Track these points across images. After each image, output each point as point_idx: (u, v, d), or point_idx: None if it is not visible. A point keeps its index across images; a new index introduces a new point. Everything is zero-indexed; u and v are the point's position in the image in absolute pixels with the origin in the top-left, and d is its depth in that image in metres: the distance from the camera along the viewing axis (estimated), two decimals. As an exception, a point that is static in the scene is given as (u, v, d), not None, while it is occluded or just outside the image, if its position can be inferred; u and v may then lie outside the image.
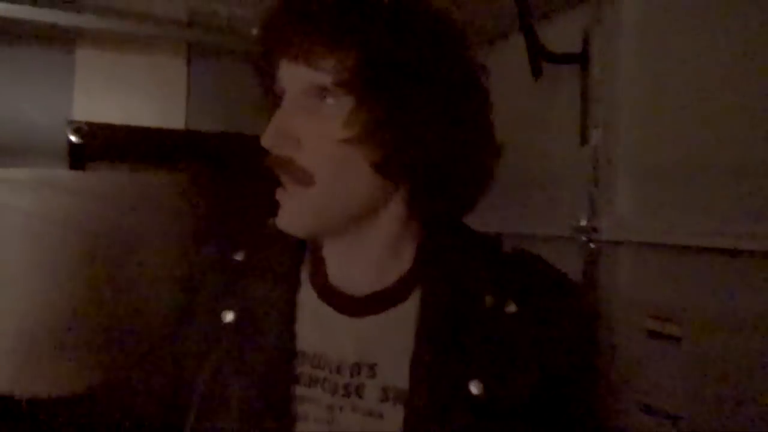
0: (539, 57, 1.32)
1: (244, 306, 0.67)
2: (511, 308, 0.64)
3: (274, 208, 0.65)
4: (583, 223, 1.26)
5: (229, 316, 0.67)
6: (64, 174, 1.55)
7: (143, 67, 1.74)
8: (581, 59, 1.29)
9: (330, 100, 0.60)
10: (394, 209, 0.66)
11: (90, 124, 1.60)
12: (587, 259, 1.24)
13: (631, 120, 1.21)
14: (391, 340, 0.64)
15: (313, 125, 0.61)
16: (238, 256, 0.71)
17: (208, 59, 1.82)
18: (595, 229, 1.24)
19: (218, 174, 1.68)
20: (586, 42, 1.29)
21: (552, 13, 1.38)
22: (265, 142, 0.61)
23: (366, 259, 0.67)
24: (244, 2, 1.76)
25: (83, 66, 1.67)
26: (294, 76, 0.61)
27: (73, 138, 1.58)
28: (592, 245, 1.24)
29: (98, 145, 1.60)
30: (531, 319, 0.64)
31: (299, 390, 0.63)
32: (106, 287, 1.44)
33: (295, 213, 0.63)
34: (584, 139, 1.28)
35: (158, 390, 0.72)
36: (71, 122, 1.60)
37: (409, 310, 0.65)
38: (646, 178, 1.17)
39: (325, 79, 0.59)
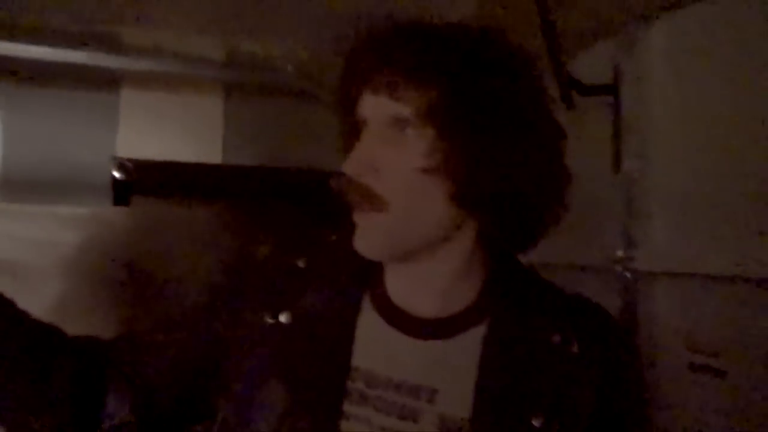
0: (570, 89, 1.32)
1: (301, 310, 0.68)
2: (575, 348, 0.66)
3: (334, 223, 0.67)
4: (619, 253, 1.25)
5: (284, 317, 0.68)
6: (108, 210, 1.60)
7: (183, 105, 1.81)
8: (612, 90, 1.30)
9: (410, 131, 0.62)
10: (464, 238, 0.67)
11: (133, 161, 1.67)
12: (624, 289, 1.23)
13: (664, 150, 1.20)
14: (453, 368, 0.65)
15: (393, 155, 0.63)
16: (300, 263, 0.72)
17: (244, 96, 1.88)
18: (631, 259, 1.23)
19: (254, 206, 1.72)
20: (617, 73, 1.30)
21: (582, 45, 1.39)
22: (347, 168, 0.64)
23: (432, 284, 0.68)
24: (279, 41, 1.82)
25: (127, 105, 1.74)
26: (376, 108, 0.64)
27: (117, 174, 1.64)
28: (628, 275, 1.23)
29: (141, 181, 1.66)
30: (591, 359, 0.67)
31: (348, 407, 0.64)
32: (146, 319, 1.48)
33: (370, 237, 0.65)
34: (617, 168, 1.28)
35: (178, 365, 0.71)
36: (115, 159, 1.67)
37: (475, 339, 0.66)
38: (682, 208, 1.16)
39: (407, 111, 0.61)
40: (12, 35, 1.53)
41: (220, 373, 0.70)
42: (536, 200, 0.65)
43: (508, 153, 0.61)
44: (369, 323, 0.68)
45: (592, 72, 1.33)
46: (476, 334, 0.67)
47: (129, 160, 1.67)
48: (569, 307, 0.71)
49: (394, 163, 0.63)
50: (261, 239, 0.75)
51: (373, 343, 0.67)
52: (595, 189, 1.37)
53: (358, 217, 0.66)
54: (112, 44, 1.66)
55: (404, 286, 0.69)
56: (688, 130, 1.15)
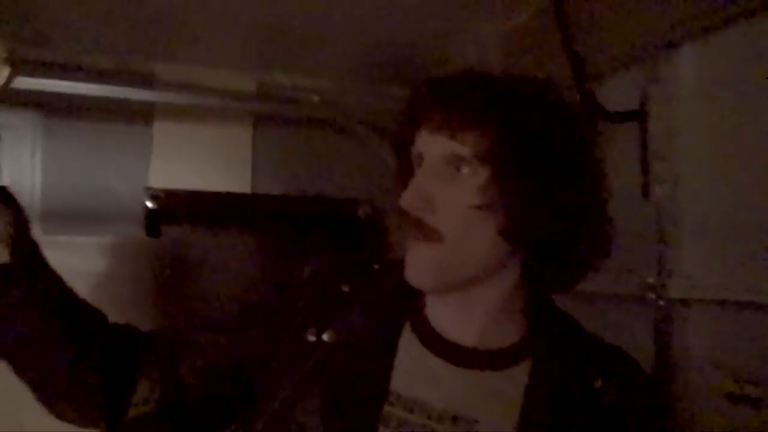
0: (597, 116, 1.33)
1: (344, 331, 0.70)
2: (614, 395, 0.68)
3: (377, 255, 0.69)
4: (651, 280, 1.23)
5: (327, 336, 0.70)
6: (141, 239, 1.63)
7: (213, 136, 1.85)
8: (639, 116, 1.30)
9: (465, 169, 0.65)
10: (509, 274, 0.69)
11: (165, 191, 1.71)
12: (657, 317, 1.21)
13: (693, 175, 1.20)
14: (496, 402, 0.66)
15: (448, 190, 0.66)
16: (345, 287, 0.75)
17: (272, 126, 1.92)
18: (663, 287, 1.21)
19: (283, 234, 1.75)
20: (643, 99, 1.30)
21: (608, 72, 1.40)
22: (404, 201, 0.66)
23: (474, 315, 0.70)
24: (306, 73, 1.87)
25: (160, 137, 1.79)
26: (434, 145, 0.67)
27: (149, 204, 1.68)
28: (661, 303, 1.21)
29: (172, 211, 1.69)
30: (628, 407, 0.69)
31: (384, 430, 0.64)
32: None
33: (422, 267, 0.67)
34: (647, 194, 1.27)
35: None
36: (148, 189, 1.71)
37: (518, 376, 0.68)
38: (715, 233, 1.15)
39: (464, 150, 0.64)
40: (50, 71, 1.59)
41: (253, 387, 0.71)
42: (580, 242, 0.68)
43: (558, 195, 0.64)
44: (409, 348, 0.69)
45: (619, 98, 1.34)
46: (521, 370, 0.68)
47: (161, 189, 1.71)
48: (608, 354, 0.73)
49: (449, 198, 0.65)
50: (299, 263, 0.76)
51: (413, 369, 0.68)
52: (624, 216, 1.36)
53: (412, 249, 0.68)
54: (145, 79, 1.72)
55: (446, 315, 0.71)
56: (718, 156, 1.15)
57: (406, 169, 0.71)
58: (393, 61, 1.78)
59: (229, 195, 1.80)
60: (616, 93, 1.36)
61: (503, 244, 0.66)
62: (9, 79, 0.58)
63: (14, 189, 0.65)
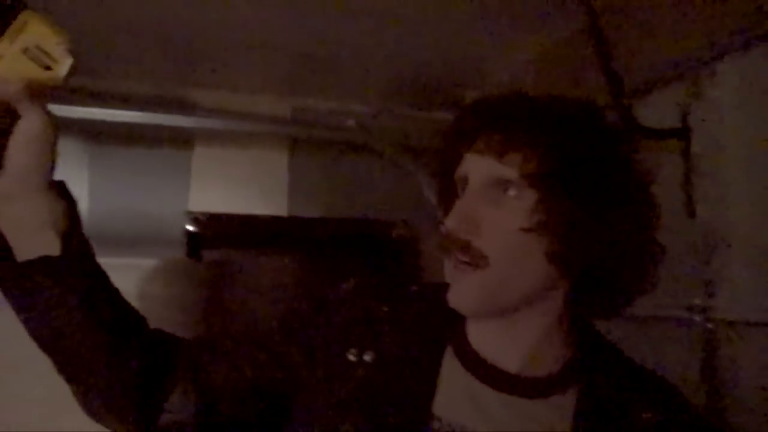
0: (637, 134, 1.31)
1: (385, 352, 0.69)
2: (662, 428, 0.66)
3: (412, 276, 0.68)
4: (697, 301, 1.20)
5: (368, 356, 0.69)
6: (182, 261, 1.67)
7: (250, 160, 1.88)
8: (681, 134, 1.28)
9: (512, 192, 0.64)
10: (554, 300, 0.68)
11: (205, 214, 1.74)
12: (703, 339, 1.17)
13: (739, 193, 1.16)
14: (542, 428, 0.65)
15: (494, 213, 0.65)
16: (384, 308, 0.74)
17: (308, 150, 1.95)
18: (710, 308, 1.17)
19: (320, 255, 1.76)
20: (685, 116, 1.27)
21: (647, 89, 1.38)
22: (449, 224, 0.66)
23: (519, 340, 0.68)
24: (341, 98, 1.90)
25: (199, 161, 1.83)
26: (480, 168, 0.66)
27: (190, 227, 1.71)
28: (709, 325, 1.17)
29: (213, 233, 1.72)
30: None
31: None
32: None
33: (466, 292, 0.66)
34: (690, 213, 1.24)
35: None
36: (189, 213, 1.74)
37: (564, 405, 0.66)
38: (762, 253, 1.11)
39: (511, 173, 0.64)
40: (96, 100, 1.65)
41: (290, 404, 0.71)
42: (629, 267, 0.66)
43: (607, 217, 0.63)
44: (452, 372, 0.68)
45: (660, 115, 1.31)
46: (567, 399, 0.67)
47: (202, 213, 1.74)
48: (656, 386, 0.71)
49: (496, 221, 0.64)
50: (335, 283, 0.76)
51: (456, 393, 0.67)
52: (669, 235, 1.33)
53: (455, 272, 0.67)
54: (185, 106, 1.76)
55: (489, 340, 0.69)
56: (763, 173, 1.12)
57: (449, 193, 0.70)
58: (427, 84, 1.79)
59: (266, 218, 1.83)
60: (657, 110, 1.34)
61: (550, 268, 0.65)
62: (71, 72, 0.59)
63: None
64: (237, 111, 1.80)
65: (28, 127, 0.57)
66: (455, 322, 0.71)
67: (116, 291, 0.67)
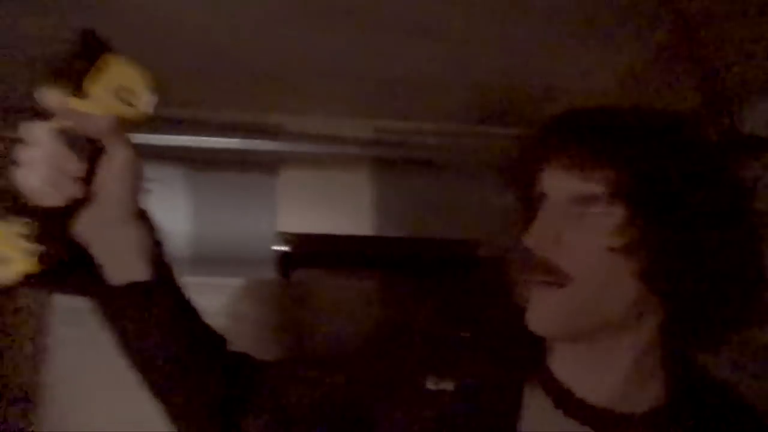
0: (735, 146, 1.24)
1: (466, 380, 0.67)
2: None
3: (498, 297, 0.67)
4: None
5: (448, 384, 0.67)
6: (272, 281, 1.72)
7: (334, 182, 1.92)
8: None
9: (596, 209, 0.61)
10: (645, 329, 0.64)
11: (294, 235, 1.79)
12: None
13: None
14: None
15: (577, 231, 0.62)
16: (464, 333, 0.72)
17: (392, 170, 1.97)
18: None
19: (406, 275, 1.77)
20: (790, 125, 1.19)
21: (744, 98, 1.30)
22: (529, 241, 0.63)
23: (607, 371, 0.65)
24: (421, 117, 1.90)
25: (285, 184, 1.89)
26: (562, 184, 0.64)
27: (281, 248, 1.77)
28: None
29: (303, 254, 1.77)
30: None
31: None
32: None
33: (547, 313, 0.63)
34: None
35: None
36: (280, 233, 1.80)
37: None
38: None
39: (595, 188, 0.61)
40: (189, 128, 1.75)
41: (366, 430, 0.69)
42: (730, 294, 0.61)
43: (702, 237, 0.59)
44: (536, 404, 0.65)
45: (758, 125, 1.23)
46: None
47: (292, 234, 1.79)
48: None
49: (579, 239, 0.62)
50: (417, 308, 0.75)
51: (542, 426, 0.64)
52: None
53: (535, 292, 0.64)
54: (272, 131, 1.83)
55: (575, 369, 0.66)
56: None
57: (527, 210, 0.67)
58: (507, 102, 1.77)
59: (352, 238, 1.85)
60: (756, 120, 1.26)
61: (640, 289, 0.60)
62: (154, 108, 0.62)
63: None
64: (320, 134, 1.84)
65: (119, 159, 0.60)
66: (539, 348, 0.68)
67: (197, 312, 0.69)
